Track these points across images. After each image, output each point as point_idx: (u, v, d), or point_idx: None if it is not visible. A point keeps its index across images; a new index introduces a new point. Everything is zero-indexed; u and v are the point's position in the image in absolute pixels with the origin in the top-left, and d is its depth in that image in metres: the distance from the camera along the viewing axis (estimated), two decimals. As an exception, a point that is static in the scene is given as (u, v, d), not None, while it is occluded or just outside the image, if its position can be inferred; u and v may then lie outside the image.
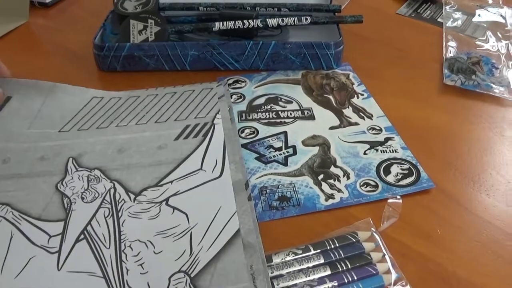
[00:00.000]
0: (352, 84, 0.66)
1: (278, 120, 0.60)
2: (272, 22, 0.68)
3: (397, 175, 0.52)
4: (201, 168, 0.52)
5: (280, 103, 0.62)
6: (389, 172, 0.53)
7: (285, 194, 0.50)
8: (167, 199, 0.49)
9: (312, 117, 0.60)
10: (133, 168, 0.52)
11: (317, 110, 0.61)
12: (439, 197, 0.51)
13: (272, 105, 0.62)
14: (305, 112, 0.61)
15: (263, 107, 0.62)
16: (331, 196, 0.50)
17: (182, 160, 0.53)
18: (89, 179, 0.51)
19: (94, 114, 0.60)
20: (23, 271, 0.44)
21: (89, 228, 0.47)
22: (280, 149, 0.55)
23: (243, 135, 0.58)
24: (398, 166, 0.54)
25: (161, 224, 0.47)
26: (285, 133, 0.57)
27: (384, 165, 0.54)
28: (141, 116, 0.59)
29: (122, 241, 0.46)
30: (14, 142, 0.56)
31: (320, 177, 0.52)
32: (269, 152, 0.55)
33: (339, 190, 0.50)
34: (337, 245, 0.45)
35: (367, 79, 0.67)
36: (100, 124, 0.58)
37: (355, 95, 0.64)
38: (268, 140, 0.57)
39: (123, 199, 0.49)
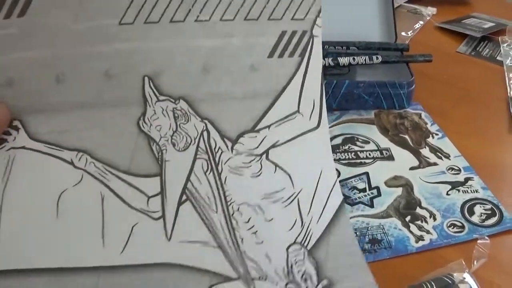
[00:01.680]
0: (426, 124, 0.67)
1: (358, 161, 0.61)
2: (343, 61, 0.69)
3: (481, 215, 0.53)
4: (298, 111, 0.45)
5: (358, 143, 0.63)
6: (473, 213, 0.54)
7: (376, 237, 0.51)
8: (267, 152, 0.43)
9: (391, 158, 0.61)
10: (225, 101, 0.44)
11: (395, 150, 0.62)
12: (523, 236, 0.51)
13: (350, 145, 0.63)
14: (384, 152, 0.62)
15: (341, 147, 0.63)
16: (420, 238, 0.51)
17: (279, 92, 0.45)
18: (176, 115, 0.42)
19: None
20: (128, 243, 0.39)
21: (189, 186, 0.41)
22: (364, 190, 0.56)
23: (325, 175, 0.58)
24: (480, 207, 0.54)
25: (266, 185, 0.42)
26: (366, 174, 0.59)
27: (467, 206, 0.54)
28: (227, 3, 0.44)
29: (229, 203, 0.41)
30: (61, 47, 0.40)
31: (408, 218, 0.53)
32: (354, 194, 0.56)
33: (428, 232, 0.51)
34: (435, 287, 0.45)
35: (438, 118, 0.68)
36: (174, 14, 0.43)
37: (430, 135, 0.65)
38: (351, 181, 0.58)
39: (219, 148, 0.43)
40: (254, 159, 0.43)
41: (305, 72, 0.45)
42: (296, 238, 0.41)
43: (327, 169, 0.44)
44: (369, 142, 0.64)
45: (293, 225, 0.41)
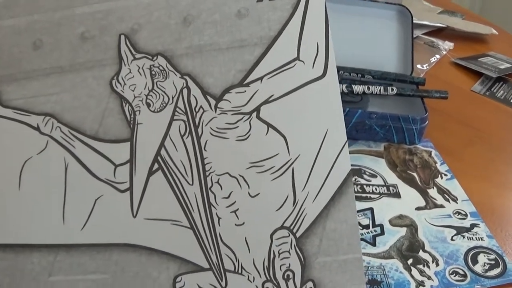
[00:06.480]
0: (435, 163, 0.65)
1: (364, 195, 0.59)
2: (357, 88, 0.67)
3: (484, 265, 0.52)
4: (298, 58, 0.38)
5: (365, 176, 0.62)
6: (477, 262, 0.52)
7: (375, 278, 0.49)
8: (258, 109, 0.37)
9: (397, 195, 0.59)
10: (207, 53, 0.38)
11: (402, 188, 0.61)
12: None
13: (356, 177, 0.61)
14: (391, 188, 0.60)
15: (347, 178, 0.61)
16: (421, 284, 0.49)
17: (272, 39, 0.38)
18: (153, 72, 0.38)
19: None
20: (89, 219, 0.35)
21: (163, 152, 0.36)
22: (367, 227, 0.55)
23: (328, 207, 0.57)
24: (484, 256, 0.53)
25: (254, 150, 0.37)
26: (371, 209, 0.57)
27: (471, 253, 0.53)
28: None
29: (207, 173, 0.36)
30: (40, 11, 0.39)
31: (410, 261, 0.51)
32: (357, 229, 0.54)
33: (429, 277, 0.50)
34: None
35: (448, 158, 0.66)
36: None
37: (439, 175, 0.63)
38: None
39: (201, 107, 0.37)
40: (241, 119, 0.37)
41: (305, 12, 0.38)
42: (285, 220, 0.35)
43: (334, 129, 0.37)
44: (376, 176, 0.62)
45: (283, 203, 0.35)
